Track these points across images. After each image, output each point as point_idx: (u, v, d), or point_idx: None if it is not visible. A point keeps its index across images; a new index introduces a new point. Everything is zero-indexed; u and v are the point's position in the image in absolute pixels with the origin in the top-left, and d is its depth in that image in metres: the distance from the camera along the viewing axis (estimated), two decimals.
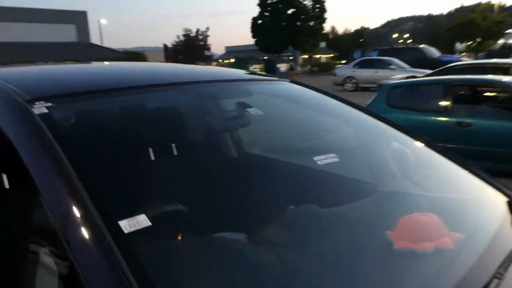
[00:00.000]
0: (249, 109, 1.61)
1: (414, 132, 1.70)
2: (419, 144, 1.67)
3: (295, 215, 1.33)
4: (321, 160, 1.35)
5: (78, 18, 33.31)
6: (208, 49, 41.32)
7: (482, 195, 1.43)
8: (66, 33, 31.66)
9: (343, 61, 35.92)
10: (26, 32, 28.60)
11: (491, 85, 5.71)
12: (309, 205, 1.35)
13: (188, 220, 1.23)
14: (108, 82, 1.44)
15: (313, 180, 1.60)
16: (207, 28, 41.17)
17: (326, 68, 39.08)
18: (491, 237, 1.12)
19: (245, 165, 1.82)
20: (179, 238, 1.16)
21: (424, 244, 1.04)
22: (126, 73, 1.69)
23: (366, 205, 1.42)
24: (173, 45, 41.05)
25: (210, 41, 41.31)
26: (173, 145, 1.41)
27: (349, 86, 18.78)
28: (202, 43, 40.86)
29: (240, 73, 2.06)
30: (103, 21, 62.48)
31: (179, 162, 1.44)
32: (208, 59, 41.46)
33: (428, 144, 1.65)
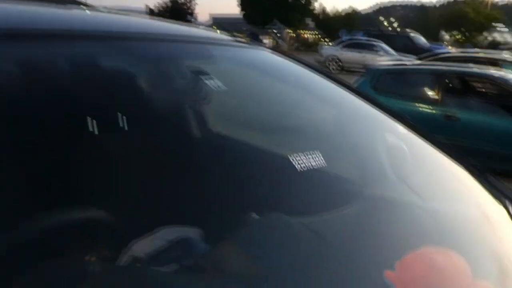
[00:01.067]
0: (206, 79, 1.23)
1: (414, 122, 1.39)
2: (419, 138, 1.35)
3: (255, 225, 0.95)
4: (300, 160, 1.00)
5: None
6: (191, 14, 39.97)
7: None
8: None
9: (328, 40, 35.69)
10: None
11: (486, 79, 5.39)
12: (274, 212, 0.98)
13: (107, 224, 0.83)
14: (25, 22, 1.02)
15: (283, 174, 1.21)
16: None
17: (311, 46, 38.55)
18: None
19: (195, 149, 1.39)
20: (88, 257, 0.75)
21: None
22: (59, 16, 1.25)
23: (349, 215, 1.05)
24: (159, 10, 39.62)
25: (196, 9, 40.27)
26: (102, 119, 0.96)
27: (333, 66, 18.38)
28: (186, 8, 39.62)
29: (207, 33, 1.67)
30: None
31: (105, 141, 1.00)
32: None
33: (430, 139, 1.34)
